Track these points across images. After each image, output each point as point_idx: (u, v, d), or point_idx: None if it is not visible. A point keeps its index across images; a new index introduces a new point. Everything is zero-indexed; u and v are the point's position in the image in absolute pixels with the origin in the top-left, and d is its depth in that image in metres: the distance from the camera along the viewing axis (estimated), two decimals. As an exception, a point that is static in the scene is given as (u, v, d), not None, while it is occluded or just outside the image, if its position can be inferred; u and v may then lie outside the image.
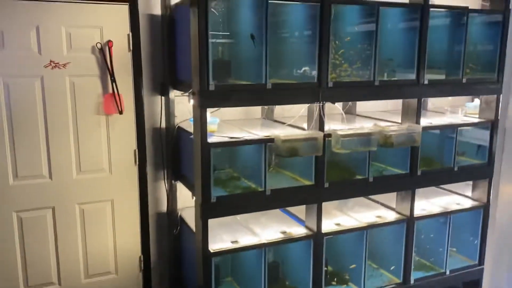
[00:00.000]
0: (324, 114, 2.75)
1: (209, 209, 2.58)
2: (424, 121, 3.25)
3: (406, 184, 3.18)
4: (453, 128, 3.31)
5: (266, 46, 2.54)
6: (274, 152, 2.67)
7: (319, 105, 2.73)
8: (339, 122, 3.17)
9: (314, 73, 2.72)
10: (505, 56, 3.11)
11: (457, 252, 3.66)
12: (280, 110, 3.35)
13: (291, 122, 3.05)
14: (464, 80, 3.22)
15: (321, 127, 2.78)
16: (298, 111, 2.94)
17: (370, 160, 3.01)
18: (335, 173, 2.97)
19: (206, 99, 2.45)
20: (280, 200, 2.79)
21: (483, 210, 3.53)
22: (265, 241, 2.76)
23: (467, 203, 3.56)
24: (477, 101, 3.64)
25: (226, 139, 2.60)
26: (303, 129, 2.93)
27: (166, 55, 3.05)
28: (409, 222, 3.22)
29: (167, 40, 3.02)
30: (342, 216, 3.21)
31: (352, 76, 2.91)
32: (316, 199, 2.86)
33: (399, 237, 3.25)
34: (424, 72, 3.04)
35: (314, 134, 2.71)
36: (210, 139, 2.55)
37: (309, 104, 2.80)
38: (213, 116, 2.84)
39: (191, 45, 2.46)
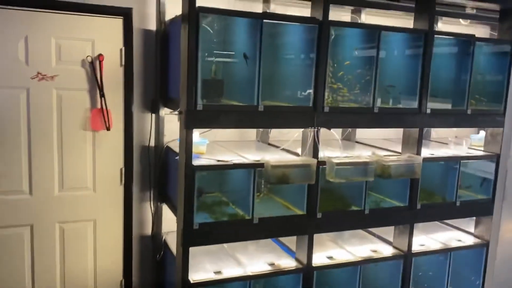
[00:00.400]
0: (318, 140, 2.62)
1: (190, 236, 2.42)
2: (426, 152, 3.11)
3: (405, 218, 3.02)
4: (456, 160, 3.16)
5: (260, 67, 2.43)
6: (264, 178, 2.52)
7: (314, 131, 2.59)
8: (336, 149, 3.02)
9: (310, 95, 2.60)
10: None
11: (457, 292, 3.46)
12: (276, 133, 3.22)
13: (285, 146, 2.91)
14: (468, 111, 3.08)
15: (315, 154, 2.63)
16: (294, 134, 2.80)
17: (366, 190, 2.85)
18: (328, 203, 2.81)
19: (193, 120, 2.32)
20: (268, 229, 2.63)
21: (486, 248, 3.34)
22: (250, 273, 2.59)
23: (469, 240, 3.38)
24: (482, 133, 3.49)
25: (213, 162, 2.47)
26: (297, 154, 2.78)
27: (159, 72, 2.95)
28: (406, 258, 3.04)
29: (160, 56, 2.93)
30: (335, 249, 3.05)
31: (350, 102, 2.78)
32: (307, 231, 2.70)
33: (396, 274, 3.08)
34: (427, 100, 2.90)
35: (307, 161, 2.57)
36: (196, 162, 2.41)
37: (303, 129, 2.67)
38: (202, 137, 2.71)
39: (181, 62, 2.35)
